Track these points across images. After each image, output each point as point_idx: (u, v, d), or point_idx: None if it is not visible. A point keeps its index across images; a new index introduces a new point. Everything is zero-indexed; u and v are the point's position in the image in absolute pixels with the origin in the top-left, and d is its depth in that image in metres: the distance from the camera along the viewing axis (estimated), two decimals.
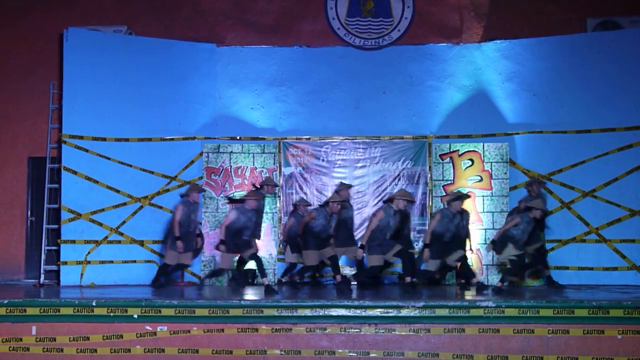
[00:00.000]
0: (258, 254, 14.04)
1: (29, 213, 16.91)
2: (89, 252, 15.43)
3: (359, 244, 13.81)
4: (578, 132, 15.95)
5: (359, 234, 15.63)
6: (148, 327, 11.55)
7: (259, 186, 14.95)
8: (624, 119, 15.73)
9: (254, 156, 16.25)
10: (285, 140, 16.55)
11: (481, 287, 13.85)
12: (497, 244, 13.73)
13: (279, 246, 15.88)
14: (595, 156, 15.79)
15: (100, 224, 15.59)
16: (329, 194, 15.91)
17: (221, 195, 16.05)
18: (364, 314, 11.46)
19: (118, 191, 15.76)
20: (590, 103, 15.94)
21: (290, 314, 11.47)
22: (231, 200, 14.99)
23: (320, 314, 11.48)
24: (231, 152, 16.22)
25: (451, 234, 13.90)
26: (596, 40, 16.06)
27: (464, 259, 14.31)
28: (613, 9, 16.39)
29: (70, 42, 15.62)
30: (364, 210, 16.34)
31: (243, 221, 13.88)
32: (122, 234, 15.76)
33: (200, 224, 15.47)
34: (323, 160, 16.50)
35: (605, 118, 15.83)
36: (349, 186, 15.33)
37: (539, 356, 11.14)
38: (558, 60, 16.23)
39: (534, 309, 11.29)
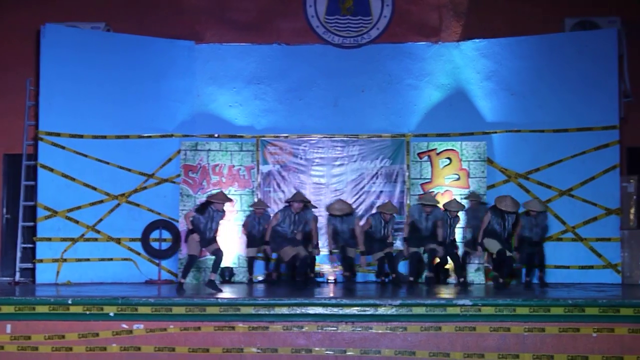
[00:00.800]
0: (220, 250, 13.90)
1: (5, 210, 16.82)
2: (65, 250, 15.38)
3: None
4: (555, 131, 16.02)
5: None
6: (124, 325, 11.48)
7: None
8: (601, 119, 15.80)
9: (231, 154, 16.23)
10: (263, 138, 16.52)
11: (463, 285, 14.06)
12: (481, 244, 13.99)
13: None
14: (572, 155, 15.87)
15: (77, 222, 15.53)
16: (307, 192, 15.96)
17: (198, 193, 16.01)
18: (341, 312, 11.43)
19: (95, 189, 15.71)
20: (567, 102, 16.01)
21: (267, 312, 11.44)
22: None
23: (298, 312, 11.45)
24: (209, 149, 16.19)
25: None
26: (574, 40, 16.13)
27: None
28: (590, 10, 16.44)
29: (48, 39, 15.57)
30: None
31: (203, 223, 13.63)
32: (98, 232, 15.71)
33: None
34: (301, 158, 16.48)
35: (583, 117, 15.91)
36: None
37: (515, 354, 11.16)
38: (536, 59, 16.29)
39: (510, 307, 11.30)
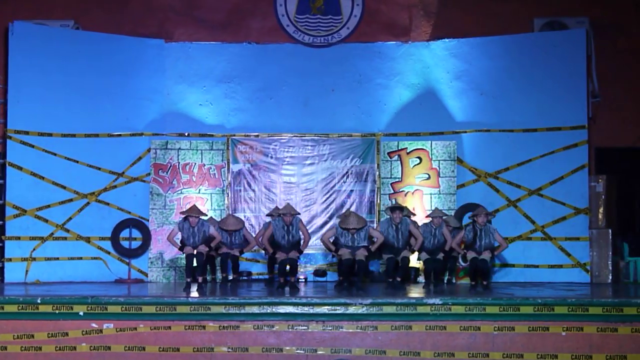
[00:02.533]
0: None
1: None
2: (34, 249, 15.30)
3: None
4: (525, 130, 16.11)
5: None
6: (94, 325, 11.43)
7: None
8: (570, 118, 15.91)
9: (202, 153, 16.19)
10: (233, 137, 16.49)
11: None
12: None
13: None
14: (541, 155, 15.96)
15: (46, 221, 15.45)
16: (277, 191, 16.01)
17: (169, 191, 15.96)
18: (311, 311, 11.44)
19: (64, 187, 15.63)
20: (537, 102, 16.09)
21: (237, 312, 11.42)
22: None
23: (268, 311, 11.45)
24: (179, 148, 16.15)
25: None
26: (543, 40, 16.23)
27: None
28: (559, 10, 16.55)
29: (16, 36, 15.47)
30: (312, 208, 16.34)
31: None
32: (68, 231, 15.63)
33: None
34: (272, 157, 16.46)
35: (552, 117, 16.00)
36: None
37: (485, 353, 11.21)
38: (506, 59, 16.36)
39: (480, 306, 11.35)
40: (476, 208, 14.03)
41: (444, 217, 14.41)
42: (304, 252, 14.43)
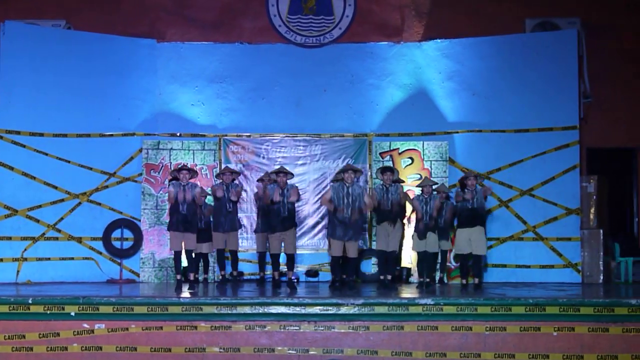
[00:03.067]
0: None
1: None
2: (25, 249, 15.27)
3: None
4: (516, 131, 16.13)
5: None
6: (85, 325, 11.42)
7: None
8: (561, 119, 15.94)
9: (194, 153, 16.18)
10: (225, 137, 16.49)
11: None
12: None
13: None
14: (532, 155, 15.98)
15: (38, 221, 15.42)
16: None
17: (160, 192, 15.94)
18: (303, 311, 11.45)
19: (56, 187, 15.60)
20: (528, 102, 16.11)
21: (229, 312, 11.43)
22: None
23: (260, 311, 11.46)
24: (171, 148, 16.13)
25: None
26: (534, 41, 16.26)
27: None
28: (551, 10, 16.59)
29: (8, 36, 15.45)
30: (304, 208, 16.33)
31: None
32: (59, 231, 15.60)
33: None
34: (263, 158, 16.46)
35: (543, 117, 16.03)
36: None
37: (476, 353, 11.23)
38: (497, 59, 16.39)
39: (472, 307, 11.38)
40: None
41: (434, 186, 14.46)
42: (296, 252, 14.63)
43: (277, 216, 13.99)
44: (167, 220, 14.68)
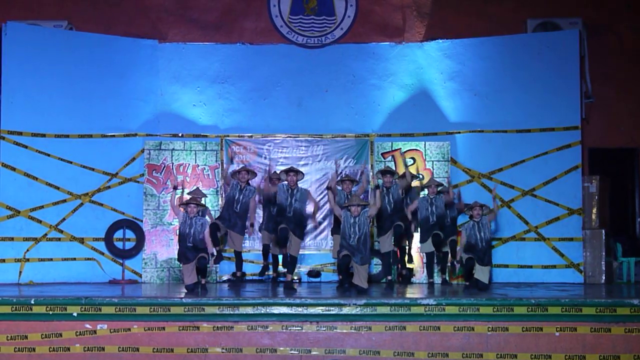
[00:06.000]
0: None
1: None
2: (27, 250, 15.26)
3: None
4: (518, 131, 16.13)
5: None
6: (88, 326, 11.43)
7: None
8: (563, 119, 15.94)
9: (195, 153, 16.19)
10: (227, 138, 16.49)
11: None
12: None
13: None
14: (534, 155, 15.98)
15: (40, 221, 15.42)
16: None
17: (162, 192, 15.95)
18: (305, 311, 11.46)
19: (58, 188, 15.60)
20: (530, 103, 16.11)
21: (231, 312, 11.44)
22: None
23: (262, 311, 11.47)
24: (173, 149, 16.14)
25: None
26: (536, 41, 16.25)
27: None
28: (552, 11, 16.59)
29: (9, 37, 15.42)
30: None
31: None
32: (61, 232, 15.60)
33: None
34: (265, 158, 16.45)
35: (545, 118, 16.02)
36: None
37: (478, 353, 11.24)
38: (499, 60, 16.39)
39: (474, 307, 11.38)
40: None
41: (439, 188, 14.55)
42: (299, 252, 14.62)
43: (282, 215, 13.98)
44: (169, 222, 14.68)
